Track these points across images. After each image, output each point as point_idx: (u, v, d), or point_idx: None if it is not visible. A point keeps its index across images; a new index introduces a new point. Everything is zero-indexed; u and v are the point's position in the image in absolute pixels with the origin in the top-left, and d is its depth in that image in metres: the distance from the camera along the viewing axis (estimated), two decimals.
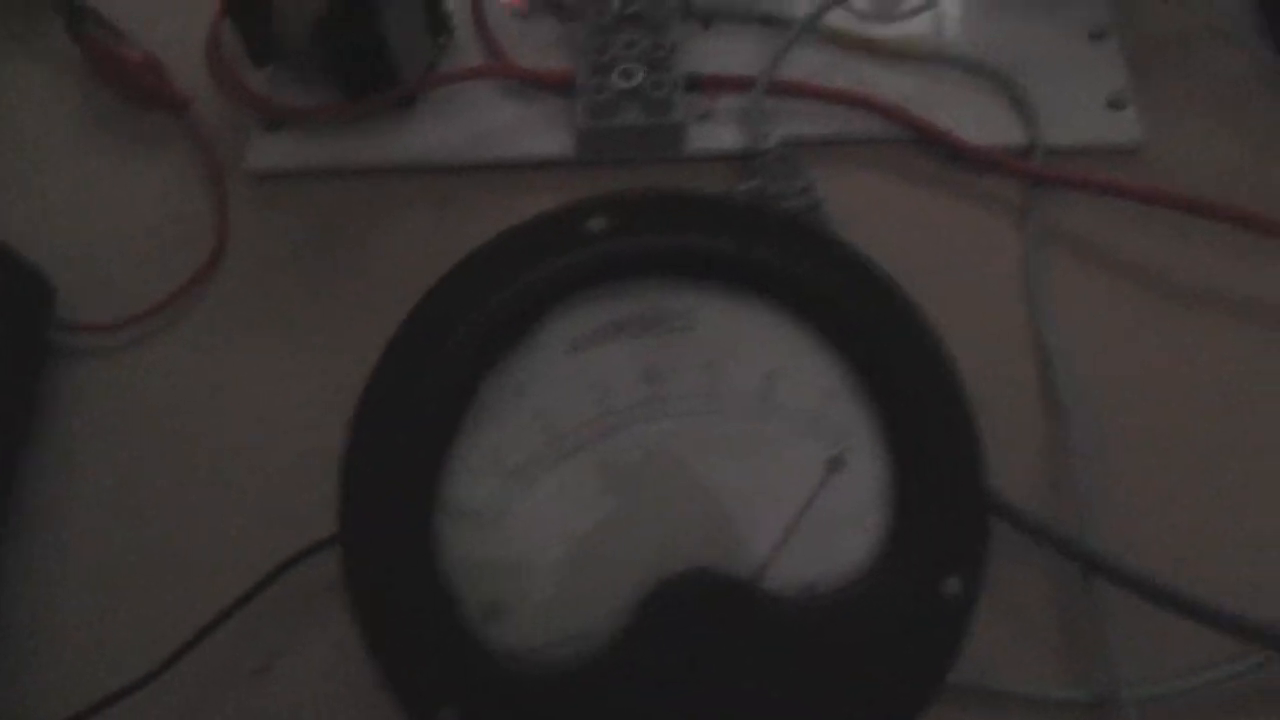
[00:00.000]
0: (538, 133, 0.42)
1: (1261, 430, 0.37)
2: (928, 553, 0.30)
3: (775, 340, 0.32)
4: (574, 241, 0.33)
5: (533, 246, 0.33)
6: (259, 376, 0.39)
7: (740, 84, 0.42)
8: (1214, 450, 0.37)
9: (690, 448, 0.31)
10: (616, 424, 0.32)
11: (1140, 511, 0.35)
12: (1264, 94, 0.43)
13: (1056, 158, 0.41)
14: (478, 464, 0.32)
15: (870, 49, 0.43)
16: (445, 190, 0.42)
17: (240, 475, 0.37)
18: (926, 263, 0.40)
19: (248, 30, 0.43)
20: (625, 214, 0.33)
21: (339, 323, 0.40)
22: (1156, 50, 0.44)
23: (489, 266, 0.33)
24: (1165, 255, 0.40)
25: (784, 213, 0.35)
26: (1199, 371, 0.38)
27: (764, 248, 0.33)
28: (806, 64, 0.43)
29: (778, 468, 0.31)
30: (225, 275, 0.41)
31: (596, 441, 0.31)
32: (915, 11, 0.43)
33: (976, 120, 0.42)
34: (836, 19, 0.44)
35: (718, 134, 0.42)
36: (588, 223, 0.33)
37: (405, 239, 0.41)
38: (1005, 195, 0.41)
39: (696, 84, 0.42)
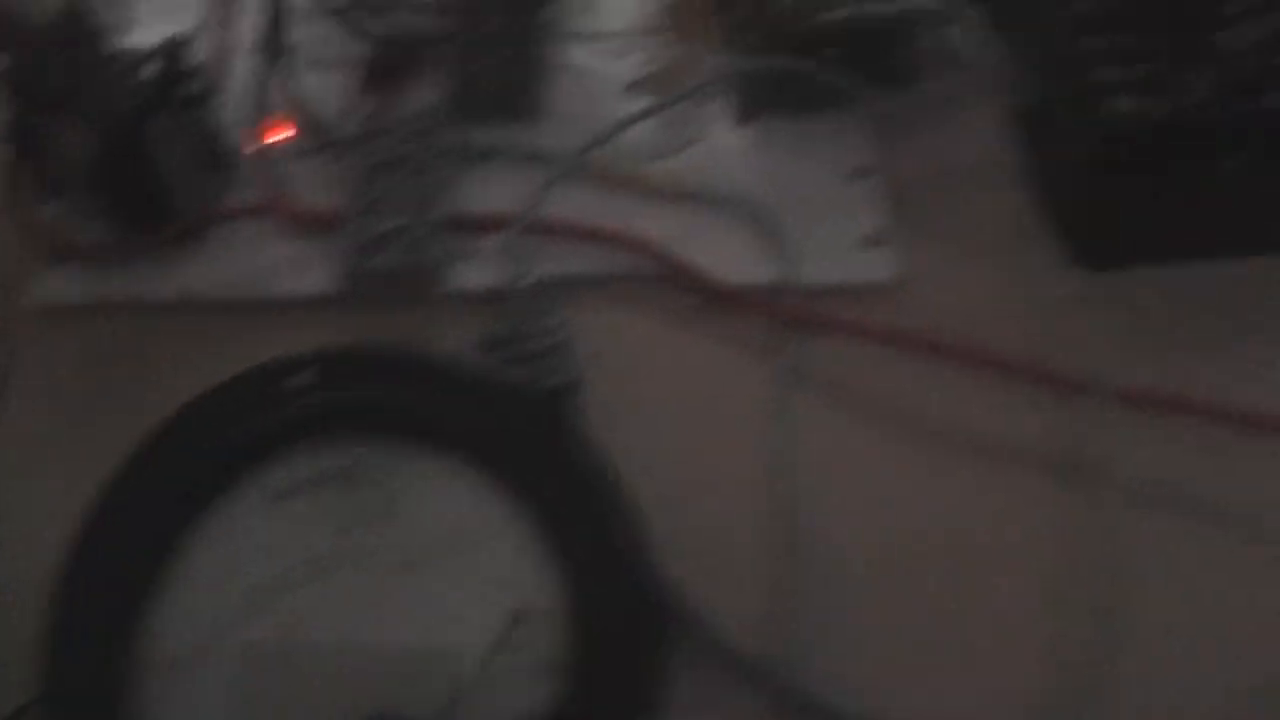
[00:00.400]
0: (310, 271, 0.45)
1: (1002, 575, 0.39)
2: (606, 704, 0.33)
3: (464, 496, 0.35)
4: (276, 398, 0.36)
5: (236, 403, 0.36)
6: (34, 514, 0.42)
7: (505, 222, 0.45)
8: (951, 594, 0.39)
9: (378, 599, 0.34)
10: (309, 576, 0.34)
11: (871, 655, 0.37)
12: (1023, 235, 0.46)
13: (812, 297, 0.44)
14: (178, 617, 0.34)
15: (636, 186, 0.46)
16: (221, 326, 0.45)
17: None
18: (675, 402, 0.42)
19: (33, 165, 0.46)
20: (329, 370, 0.36)
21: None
22: (919, 188, 0.47)
23: (194, 423, 0.36)
24: (912, 396, 0.42)
25: (483, 369, 0.38)
26: (939, 513, 0.40)
27: (456, 405, 0.35)
28: (572, 201, 0.46)
29: (461, 620, 0.34)
30: (4, 411, 0.44)
31: (290, 592, 0.34)
32: (680, 148, 0.47)
33: (733, 258, 0.44)
34: (606, 155, 0.47)
35: (479, 273, 0.45)
36: (291, 379, 0.36)
37: (181, 376, 0.43)
38: (757, 335, 0.44)
39: (461, 223, 0.45)
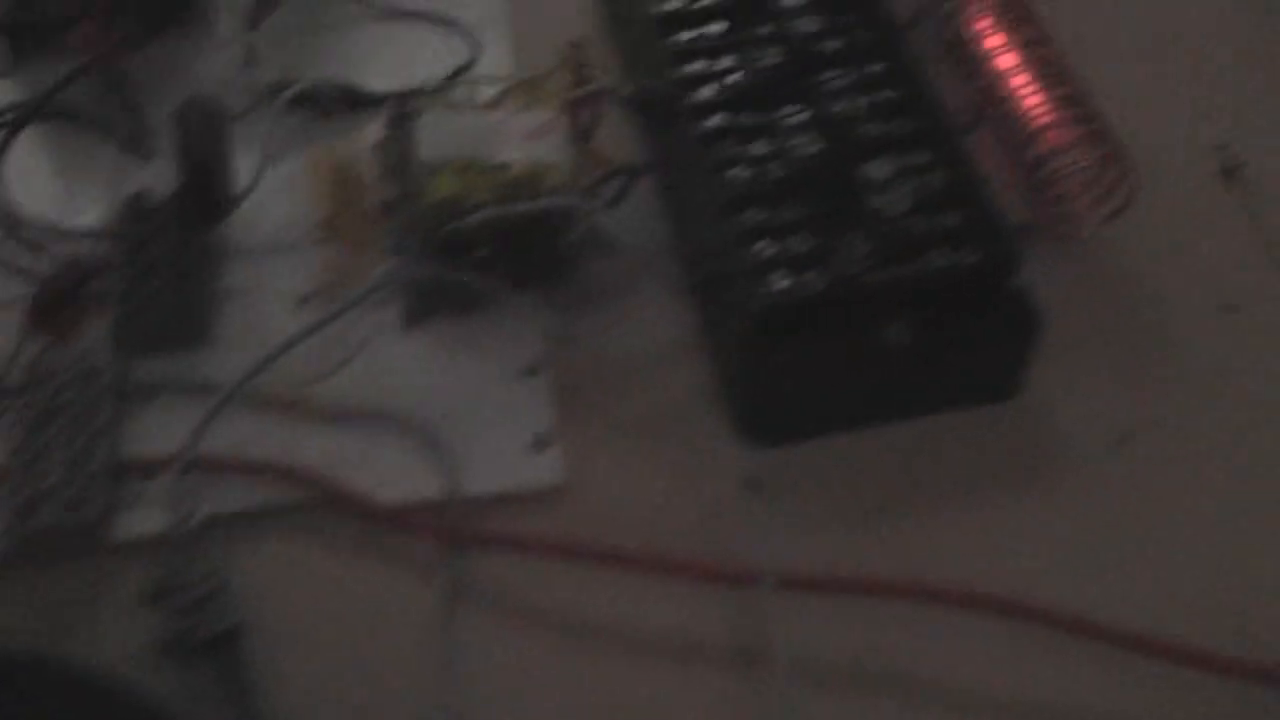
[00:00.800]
0: None
1: None
2: None
3: None
4: None
5: None
6: None
7: (169, 462, 0.46)
8: None
9: None
10: None
11: None
12: (697, 418, 0.47)
13: (479, 508, 0.45)
14: None
15: (301, 409, 0.47)
16: None
17: None
18: (342, 634, 0.43)
19: None
20: None
21: None
22: (591, 379, 0.48)
23: None
24: (582, 604, 0.43)
25: (87, 668, 0.39)
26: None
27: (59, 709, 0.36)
28: (238, 431, 0.46)
29: None
30: None
31: None
32: (347, 361, 0.48)
33: (398, 476, 0.45)
34: (272, 379, 0.48)
35: (144, 519, 0.45)
36: None
37: None
38: (424, 554, 0.45)
39: (125, 468, 0.46)
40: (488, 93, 0.49)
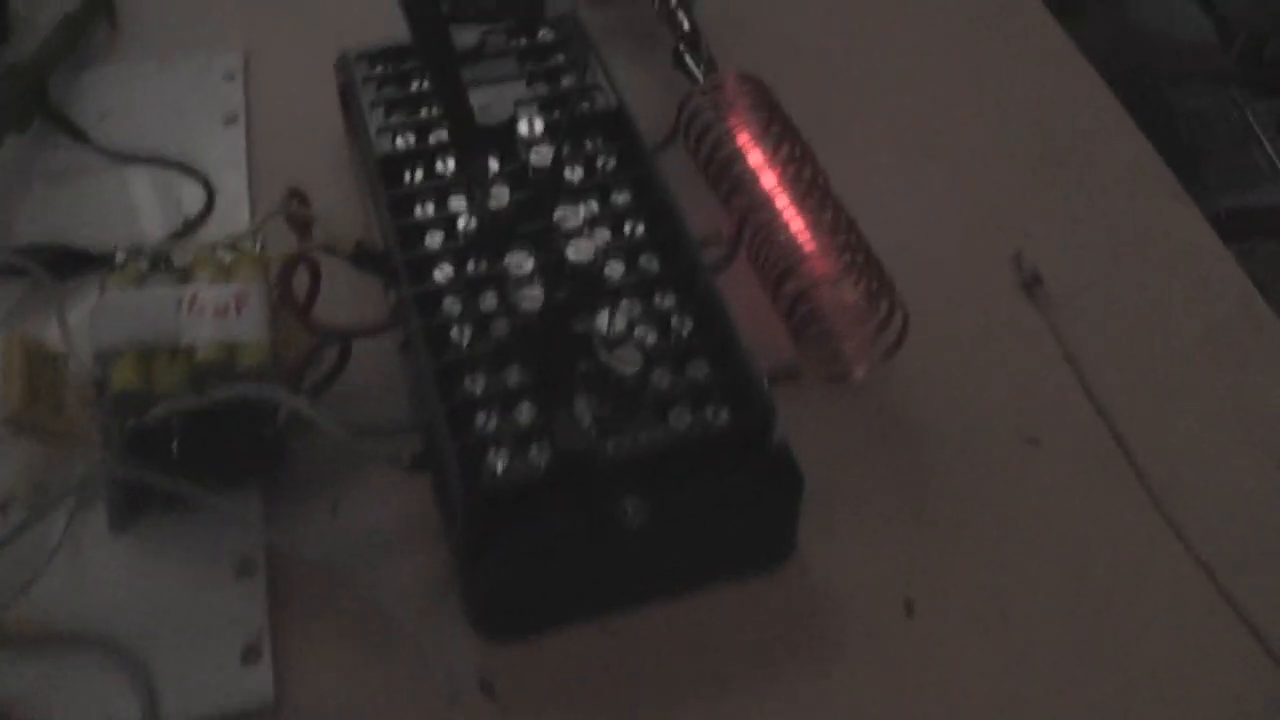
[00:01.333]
0: None
1: None
2: None
3: None
4: None
5: None
6: None
7: None
8: None
9: None
10: None
11: None
12: (429, 614, 0.44)
13: None
14: None
15: None
16: None
17: None
18: None
19: None
20: None
21: None
22: (310, 578, 0.44)
23: None
24: None
25: None
26: None
27: None
28: None
29: None
30: None
31: None
32: (42, 574, 0.44)
33: (92, 705, 0.42)
34: None
35: None
36: None
37: None
38: None
39: None
40: (180, 261, 0.45)
